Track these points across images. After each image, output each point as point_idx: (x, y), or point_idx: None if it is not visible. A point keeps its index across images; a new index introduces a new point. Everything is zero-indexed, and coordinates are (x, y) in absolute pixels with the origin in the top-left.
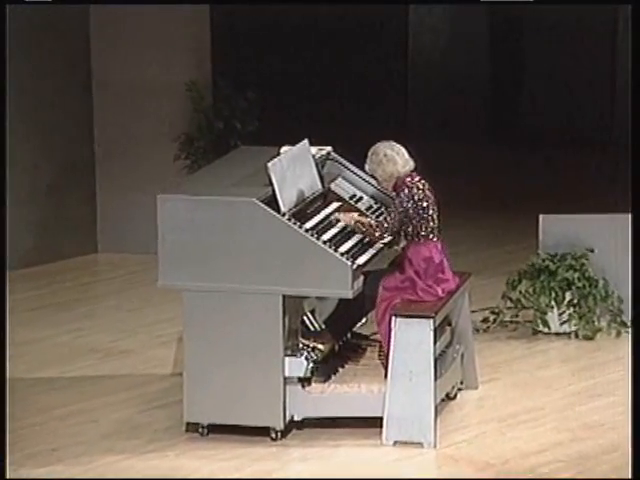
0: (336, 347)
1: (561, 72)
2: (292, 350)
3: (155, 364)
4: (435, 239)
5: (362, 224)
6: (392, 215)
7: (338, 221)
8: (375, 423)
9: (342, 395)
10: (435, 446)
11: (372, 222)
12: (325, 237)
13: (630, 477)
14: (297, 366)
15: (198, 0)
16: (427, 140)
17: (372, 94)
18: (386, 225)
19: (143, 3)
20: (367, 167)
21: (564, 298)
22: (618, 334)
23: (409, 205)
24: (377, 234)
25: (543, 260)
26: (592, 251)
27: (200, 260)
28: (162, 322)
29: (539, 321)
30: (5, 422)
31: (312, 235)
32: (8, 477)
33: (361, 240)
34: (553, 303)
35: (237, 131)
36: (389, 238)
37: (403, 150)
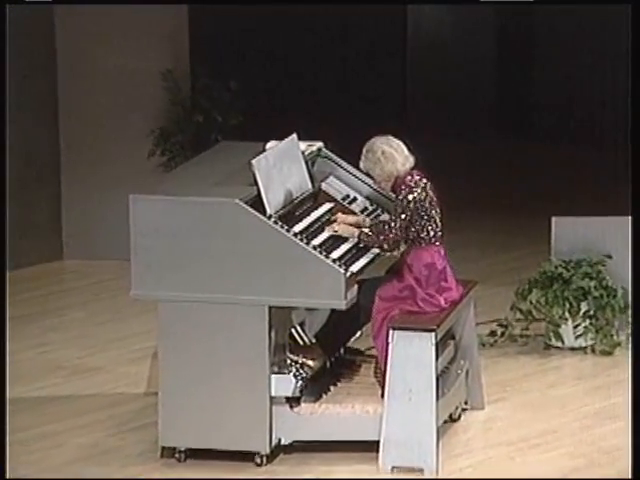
0: (328, 363)
1: (575, 67)
2: (279, 367)
3: (127, 382)
4: (437, 243)
5: (366, 236)
6: (396, 223)
7: (339, 235)
8: (371, 447)
9: (334, 416)
10: (437, 472)
11: (376, 233)
12: (315, 242)
13: (630, 477)
14: (285, 384)
15: None
16: (427, 135)
17: (367, 84)
18: (393, 235)
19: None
20: (362, 165)
21: (579, 309)
22: None
23: (411, 208)
24: (385, 246)
25: (556, 267)
26: (610, 257)
27: (177, 267)
28: (135, 336)
29: (552, 335)
30: (5, 422)
31: (301, 240)
32: (8, 477)
33: (355, 245)
34: (567, 315)
35: (218, 125)
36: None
37: (402, 146)
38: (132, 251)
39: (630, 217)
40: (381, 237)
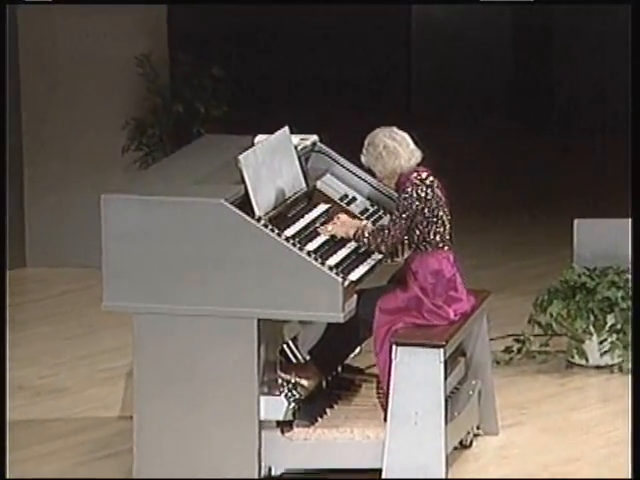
0: (324, 383)
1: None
2: (269, 387)
3: (97, 405)
4: (446, 248)
5: (363, 236)
6: (397, 224)
7: (335, 239)
8: (372, 476)
9: (331, 442)
10: None
11: (374, 234)
12: (310, 247)
13: (630, 477)
14: (275, 407)
15: None
16: (435, 126)
17: (369, 70)
18: (392, 236)
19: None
20: (363, 160)
21: (605, 323)
22: None
23: (416, 207)
24: (383, 248)
25: (579, 275)
26: None
27: (155, 276)
28: (107, 353)
29: (574, 351)
30: (5, 422)
31: (294, 245)
32: (8, 477)
33: (354, 251)
34: (592, 329)
35: (200, 116)
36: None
37: (407, 139)
38: (104, 258)
39: (630, 219)
40: (379, 239)
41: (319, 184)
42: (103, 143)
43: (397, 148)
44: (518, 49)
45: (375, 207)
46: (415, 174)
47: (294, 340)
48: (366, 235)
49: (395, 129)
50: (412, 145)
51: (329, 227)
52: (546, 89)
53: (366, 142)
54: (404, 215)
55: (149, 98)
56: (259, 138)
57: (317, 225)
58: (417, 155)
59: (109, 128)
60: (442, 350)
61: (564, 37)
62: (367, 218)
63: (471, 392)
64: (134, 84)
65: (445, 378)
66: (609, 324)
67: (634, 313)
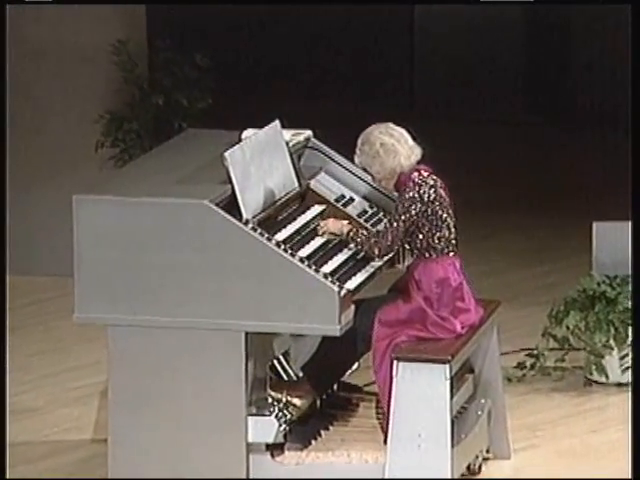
0: (318, 402)
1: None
2: (258, 407)
3: (68, 427)
4: (452, 254)
5: (357, 235)
6: (395, 225)
7: (330, 244)
8: None
9: (326, 467)
10: None
11: (370, 235)
12: (303, 253)
13: (630, 477)
14: (265, 428)
15: None
16: (439, 122)
17: (367, 61)
18: (389, 239)
19: None
20: (358, 161)
21: (627, 336)
22: None
23: (417, 209)
24: (376, 251)
25: (598, 284)
26: None
27: (132, 285)
28: (79, 369)
29: (593, 367)
30: (5, 422)
31: (285, 250)
32: (8, 477)
33: (352, 257)
34: (612, 343)
35: (182, 109)
36: (391, 254)
37: (406, 135)
38: (76, 265)
39: (630, 222)
40: (372, 239)
41: (313, 184)
42: (75, 139)
43: (395, 145)
44: (530, 44)
45: (374, 209)
46: (416, 173)
47: (285, 355)
48: (359, 235)
49: (391, 125)
50: (411, 141)
51: (322, 222)
52: (562, 82)
53: (360, 141)
54: (403, 217)
55: (125, 89)
56: (247, 133)
57: (311, 228)
58: (417, 152)
59: (81, 122)
60: (448, 366)
61: (580, 31)
62: (366, 221)
63: (480, 412)
64: (109, 74)
65: (451, 397)
66: (631, 337)
67: (634, 321)
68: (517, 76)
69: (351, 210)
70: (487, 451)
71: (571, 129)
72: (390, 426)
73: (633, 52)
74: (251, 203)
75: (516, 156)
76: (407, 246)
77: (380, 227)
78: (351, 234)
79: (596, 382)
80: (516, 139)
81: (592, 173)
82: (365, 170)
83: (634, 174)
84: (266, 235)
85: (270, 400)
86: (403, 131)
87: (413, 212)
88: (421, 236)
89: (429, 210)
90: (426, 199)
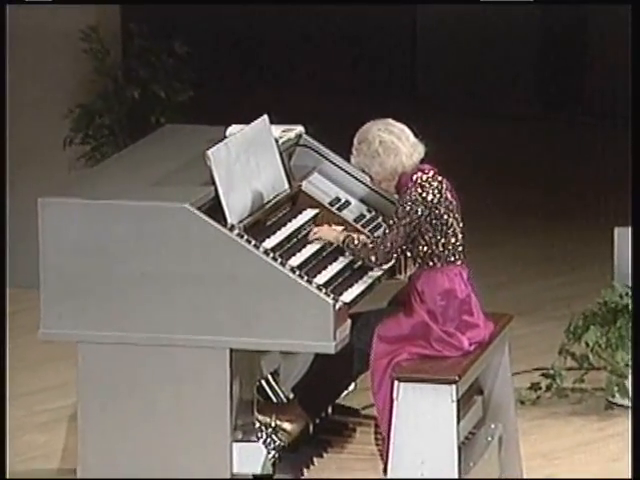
0: (310, 427)
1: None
2: (244, 432)
3: (34, 455)
4: (459, 263)
5: (353, 243)
6: (395, 231)
7: (325, 251)
8: None
9: None
10: None
11: (366, 240)
12: (294, 262)
13: (630, 477)
14: (252, 456)
15: None
16: (444, 115)
17: (364, 49)
18: (388, 245)
19: None
20: (354, 161)
21: None
22: None
23: (419, 213)
24: (374, 259)
25: (621, 296)
26: None
27: (104, 297)
28: (45, 392)
29: (615, 389)
30: (5, 422)
31: (274, 259)
32: (8, 477)
33: (348, 266)
34: None
35: (160, 102)
36: (390, 263)
37: (407, 131)
38: (41, 275)
39: (630, 227)
40: (369, 245)
41: (305, 185)
42: (40, 135)
43: (396, 143)
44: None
45: (373, 213)
46: (419, 173)
47: (274, 375)
48: (356, 242)
49: (391, 120)
50: (413, 138)
51: (315, 229)
52: (576, 75)
53: (356, 140)
54: (403, 222)
55: (97, 80)
56: (232, 129)
57: (303, 235)
58: (419, 149)
59: (48, 117)
60: (454, 387)
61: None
62: (363, 226)
63: (490, 438)
64: (79, 63)
65: (458, 421)
66: (631, 347)
67: (634, 329)
68: (529, 70)
69: (347, 214)
70: None
71: (592, 126)
72: (390, 453)
73: (633, 52)
74: (237, 207)
75: (530, 154)
76: (409, 254)
77: (379, 233)
78: (347, 242)
79: (618, 405)
80: (530, 135)
81: (614, 174)
82: (363, 171)
83: (634, 180)
84: (253, 242)
85: (257, 425)
86: (404, 127)
87: (415, 216)
88: (424, 243)
89: (433, 214)
90: (429, 202)
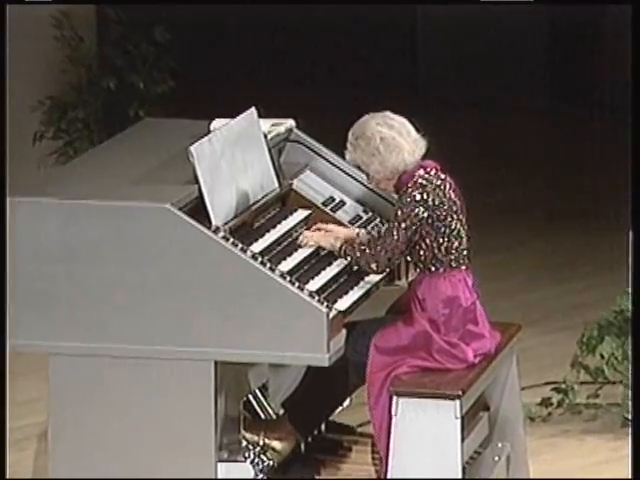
0: (302, 445)
1: None
2: (230, 451)
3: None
4: (463, 268)
5: (351, 247)
6: (393, 235)
7: (317, 254)
8: None
9: None
10: None
11: (364, 246)
12: (284, 267)
13: (630, 477)
14: (238, 477)
15: None
16: (447, 108)
17: (362, 38)
18: (389, 251)
19: None
20: (350, 158)
21: None
22: None
23: (420, 214)
24: (374, 266)
25: None
26: None
27: (79, 305)
28: (14, 408)
29: (632, 404)
30: (5, 422)
31: (263, 264)
32: (8, 477)
33: (343, 271)
34: None
35: (139, 93)
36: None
37: (407, 125)
38: (11, 281)
39: (631, 232)
40: (368, 251)
41: (296, 184)
42: (9, 129)
43: (397, 139)
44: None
45: (370, 214)
46: (420, 171)
47: (263, 389)
48: (354, 249)
49: (390, 114)
50: (414, 133)
51: (308, 233)
52: (588, 71)
53: (352, 135)
54: (404, 224)
55: (70, 70)
56: (217, 123)
57: (294, 237)
58: (421, 145)
59: (17, 110)
60: (458, 402)
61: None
62: (359, 228)
63: (497, 458)
64: (50, 52)
65: (462, 439)
66: (631, 356)
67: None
68: (541, 60)
69: (342, 215)
70: None
71: (605, 122)
72: (388, 474)
73: (633, 52)
74: (222, 207)
75: (539, 151)
76: (409, 259)
77: (378, 235)
78: (344, 248)
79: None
80: (540, 131)
81: (623, 172)
82: (359, 168)
83: (634, 185)
84: (240, 245)
85: (245, 443)
86: (404, 121)
87: (415, 219)
88: (425, 246)
89: (435, 216)
90: (431, 203)
